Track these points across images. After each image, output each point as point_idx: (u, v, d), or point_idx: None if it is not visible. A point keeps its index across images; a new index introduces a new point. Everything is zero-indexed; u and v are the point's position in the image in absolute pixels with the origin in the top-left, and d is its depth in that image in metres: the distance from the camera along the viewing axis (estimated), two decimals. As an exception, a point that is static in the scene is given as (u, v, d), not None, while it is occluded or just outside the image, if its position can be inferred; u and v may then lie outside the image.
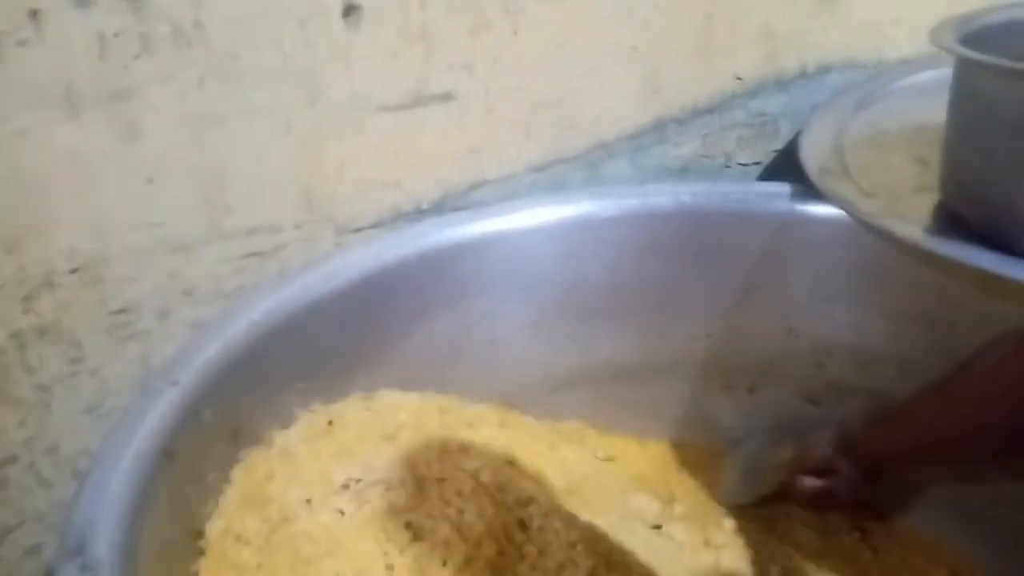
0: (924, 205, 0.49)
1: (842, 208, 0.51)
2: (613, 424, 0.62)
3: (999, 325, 0.47)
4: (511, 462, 0.50)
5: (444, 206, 0.57)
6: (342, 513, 0.40)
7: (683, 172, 0.63)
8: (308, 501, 0.40)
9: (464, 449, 0.48)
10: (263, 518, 0.39)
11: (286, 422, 0.46)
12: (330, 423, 0.47)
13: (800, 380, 0.58)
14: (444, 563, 0.38)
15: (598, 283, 0.58)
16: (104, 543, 0.29)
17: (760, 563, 0.52)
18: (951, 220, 0.47)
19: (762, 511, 0.57)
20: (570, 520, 0.46)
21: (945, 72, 0.47)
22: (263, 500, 0.40)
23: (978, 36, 0.46)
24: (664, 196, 0.57)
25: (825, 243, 0.53)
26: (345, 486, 0.41)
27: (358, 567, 0.37)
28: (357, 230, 0.55)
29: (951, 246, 0.44)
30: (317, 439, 0.45)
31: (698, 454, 0.62)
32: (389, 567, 0.38)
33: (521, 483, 0.47)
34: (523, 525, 0.43)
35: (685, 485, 0.59)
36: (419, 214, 0.57)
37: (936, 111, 0.58)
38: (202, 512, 0.39)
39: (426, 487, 0.42)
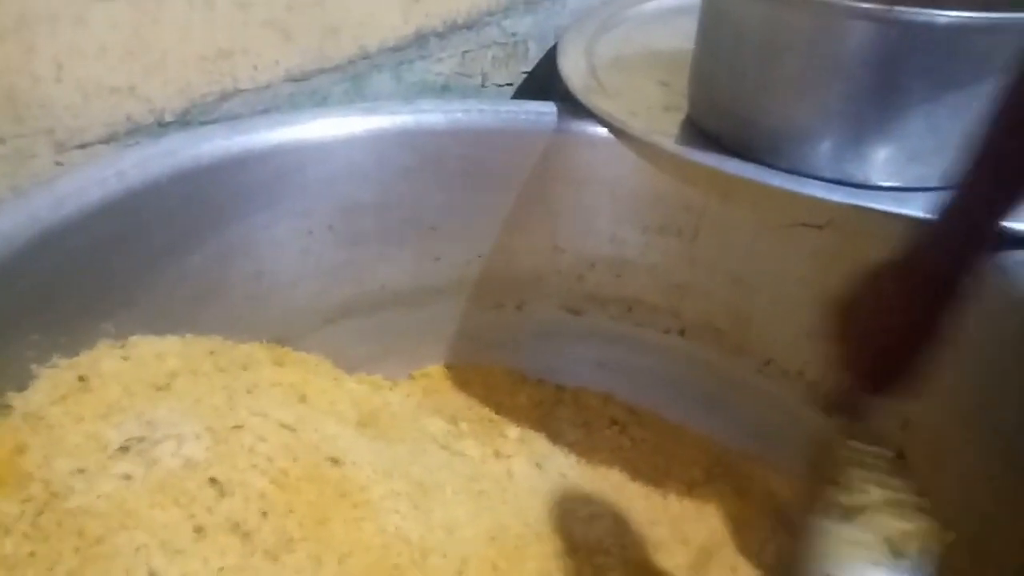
0: (674, 122, 0.54)
1: (610, 125, 0.53)
2: (389, 351, 0.61)
3: (736, 232, 0.54)
4: (302, 399, 0.46)
5: (190, 119, 0.50)
6: (128, 478, 0.33)
7: (444, 91, 0.62)
8: (81, 471, 0.33)
9: (251, 391, 0.43)
10: (23, 499, 0.31)
11: (23, 383, 0.37)
12: (82, 379, 0.39)
13: (564, 293, 0.61)
14: (264, 515, 0.34)
15: (370, 205, 0.55)
16: None
17: (543, 464, 0.55)
18: (701, 136, 0.52)
19: (537, 415, 0.60)
20: (376, 451, 0.44)
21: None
22: (18, 478, 0.32)
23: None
24: (437, 113, 0.55)
25: (590, 161, 0.56)
26: (124, 448, 0.35)
27: (162, 537, 0.32)
28: (83, 145, 0.46)
29: (712, 158, 0.49)
30: (72, 398, 0.37)
31: (472, 373, 0.63)
32: (199, 529, 0.33)
33: (320, 420, 0.44)
34: (335, 461, 0.40)
35: (465, 404, 0.60)
36: (161, 128, 0.49)
37: (671, 37, 0.64)
38: (-68, 504, 0.30)
39: (224, 437, 0.37)
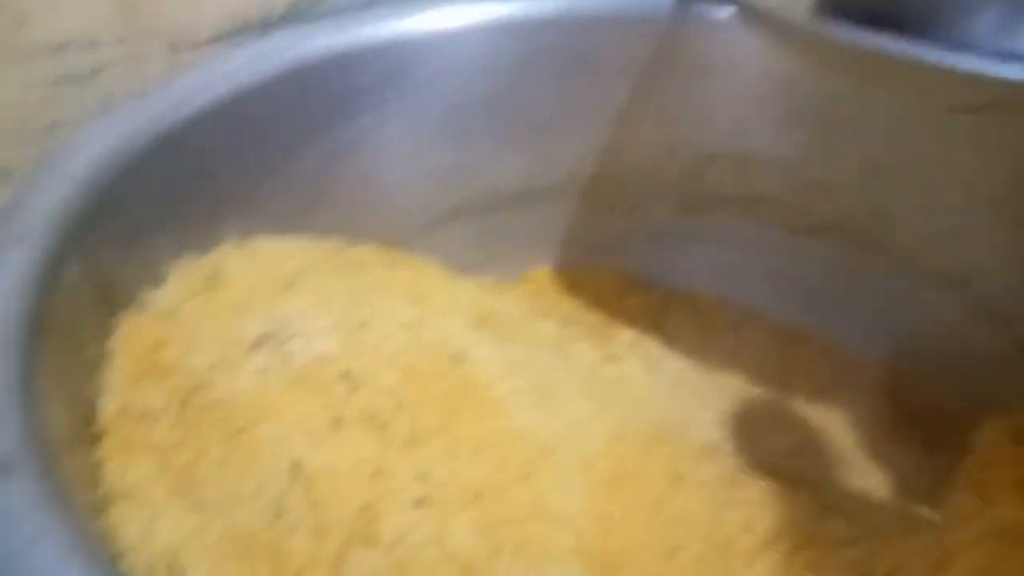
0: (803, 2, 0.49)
1: (735, 4, 0.49)
2: (498, 255, 0.59)
3: (877, 119, 0.49)
4: (419, 299, 0.45)
5: (297, 14, 0.48)
6: (264, 372, 0.34)
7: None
8: (218, 365, 0.34)
9: (374, 290, 0.42)
10: (168, 390, 0.32)
11: (158, 280, 0.38)
12: (211, 277, 0.39)
13: (680, 193, 0.58)
14: (398, 407, 0.34)
15: (480, 102, 0.53)
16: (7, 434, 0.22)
17: (657, 368, 0.54)
18: (838, 11, 0.47)
19: (649, 320, 0.58)
20: (495, 350, 0.44)
21: None
22: (161, 370, 0.33)
23: None
24: (549, 1, 0.51)
25: (712, 46, 0.52)
26: (258, 343, 0.35)
27: (302, 428, 0.32)
28: (195, 46, 0.45)
29: (851, 34, 0.45)
30: (204, 296, 0.38)
31: (581, 277, 0.61)
32: (336, 421, 0.33)
33: (438, 319, 0.44)
34: (459, 359, 0.40)
35: (575, 307, 0.59)
36: (266, 27, 0.48)
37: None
38: (87, 391, 0.31)
39: (352, 333, 0.37)
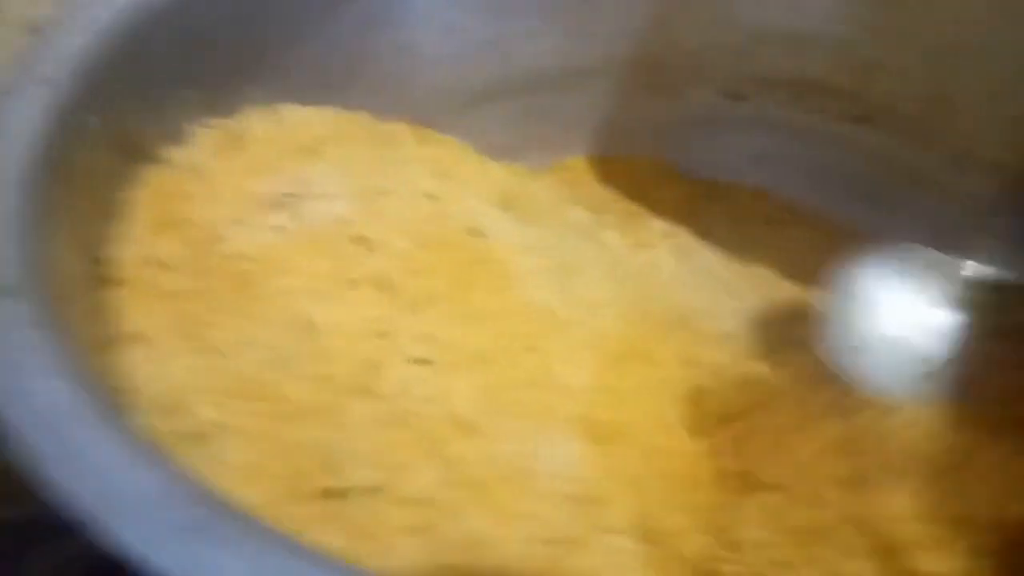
0: None
1: None
2: (533, 139, 0.58)
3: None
4: (446, 175, 0.45)
5: None
6: (282, 230, 0.34)
7: None
8: (237, 221, 0.34)
9: (399, 163, 0.42)
10: (185, 241, 0.33)
11: (181, 138, 0.38)
12: (235, 137, 0.40)
13: (726, 75, 0.56)
14: (409, 272, 0.34)
15: (517, -28, 0.51)
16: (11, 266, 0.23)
17: (688, 257, 0.53)
18: None
19: (686, 210, 0.56)
20: (518, 229, 0.43)
21: None
22: (180, 222, 0.34)
23: None
24: None
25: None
26: (278, 203, 0.35)
27: (313, 284, 0.33)
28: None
29: None
30: (226, 154, 0.38)
31: (618, 164, 0.60)
32: (348, 282, 0.33)
33: (463, 195, 0.43)
34: (478, 233, 0.40)
35: (610, 196, 0.58)
36: None
37: None
38: (103, 237, 0.32)
39: (372, 200, 0.37)
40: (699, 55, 0.55)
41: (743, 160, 0.58)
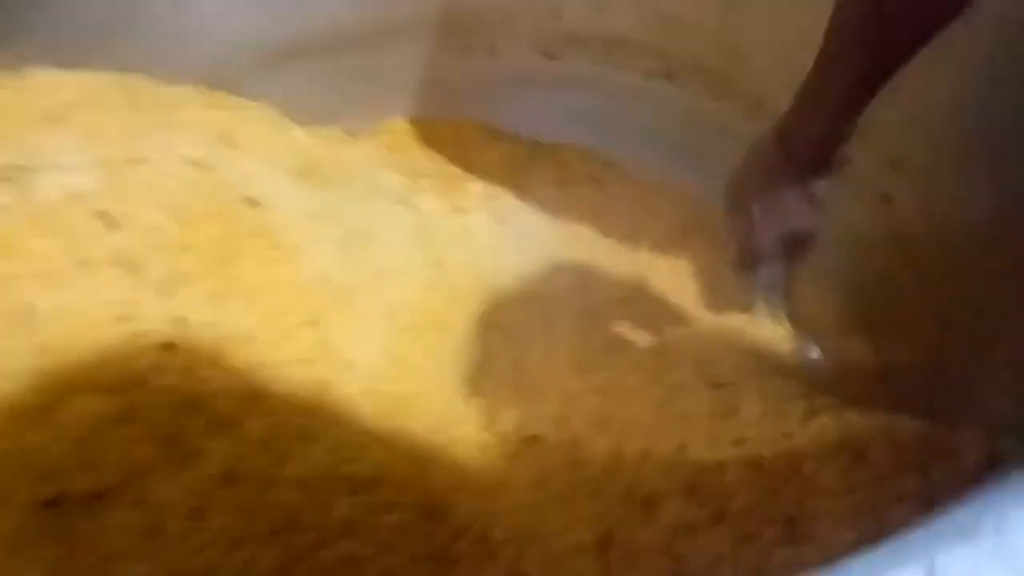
0: None
1: None
2: (348, 102, 0.55)
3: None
4: (230, 142, 0.41)
5: None
6: (6, 209, 0.30)
7: None
8: (-54, 199, 0.30)
9: (167, 129, 0.38)
10: None
11: None
12: (-38, 107, 0.35)
13: (539, 33, 0.54)
14: (158, 249, 0.31)
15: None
16: None
17: (507, 220, 0.51)
18: None
19: (508, 172, 0.55)
20: (307, 196, 0.41)
21: None
22: None
23: None
24: None
25: None
26: (2, 177, 0.31)
27: (39, 267, 0.29)
28: None
29: None
30: (-56, 125, 0.33)
31: (441, 127, 0.58)
32: (83, 262, 0.30)
33: (245, 163, 0.40)
34: (253, 202, 0.37)
35: (431, 160, 0.55)
36: None
37: None
38: None
39: (119, 170, 0.33)
40: (509, 12, 0.53)
41: (565, 119, 0.57)
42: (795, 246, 0.40)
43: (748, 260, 0.42)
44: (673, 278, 0.49)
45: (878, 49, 0.31)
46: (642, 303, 0.45)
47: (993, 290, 0.32)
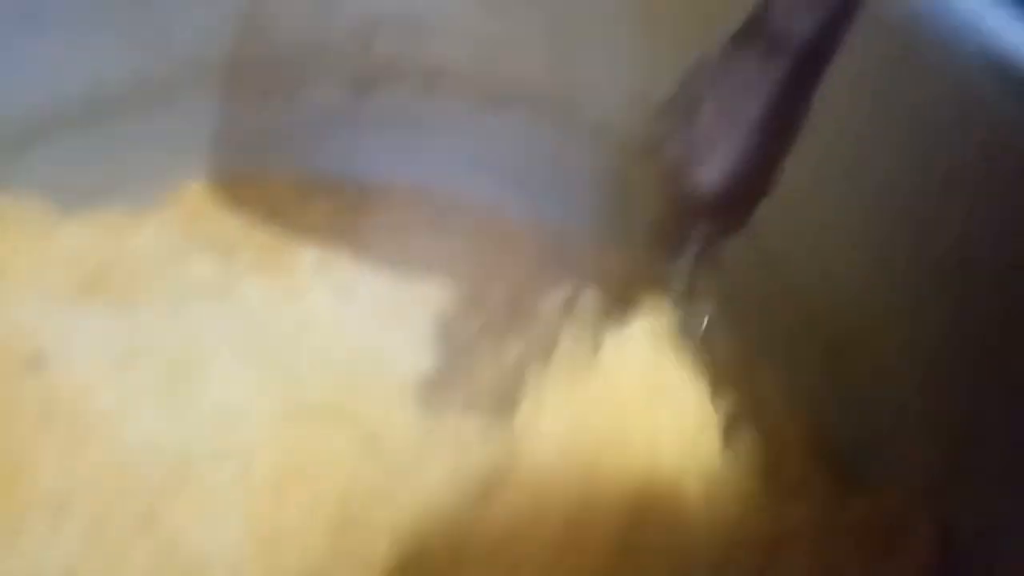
0: None
1: None
2: (128, 173, 0.46)
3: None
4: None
5: None
6: None
7: None
8: None
9: None
10: None
11: None
12: None
13: (348, 68, 0.48)
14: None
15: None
16: None
17: (349, 292, 0.45)
18: None
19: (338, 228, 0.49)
20: (105, 330, 0.33)
21: None
22: None
23: None
24: None
25: None
26: None
27: None
28: None
29: None
30: None
31: (247, 186, 0.50)
32: None
33: (13, 298, 0.31)
34: (35, 363, 0.28)
35: (242, 228, 0.48)
36: None
37: None
38: None
39: None
40: (310, 48, 0.47)
41: (391, 159, 0.51)
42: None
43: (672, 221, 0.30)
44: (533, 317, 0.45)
45: None
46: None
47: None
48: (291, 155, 0.50)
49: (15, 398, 0.26)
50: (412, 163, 0.51)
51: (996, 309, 0.28)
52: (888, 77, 0.33)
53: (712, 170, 0.27)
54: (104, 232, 0.41)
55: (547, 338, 0.44)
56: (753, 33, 0.25)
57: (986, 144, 0.30)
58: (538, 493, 0.30)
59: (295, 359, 0.37)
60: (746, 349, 0.39)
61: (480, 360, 0.43)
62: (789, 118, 0.27)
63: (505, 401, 0.39)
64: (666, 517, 0.27)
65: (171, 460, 0.28)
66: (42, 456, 0.25)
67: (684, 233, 0.30)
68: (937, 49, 0.32)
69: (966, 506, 0.27)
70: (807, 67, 0.25)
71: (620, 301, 0.44)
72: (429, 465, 0.34)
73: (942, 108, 0.31)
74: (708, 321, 0.36)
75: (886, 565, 0.23)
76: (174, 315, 0.36)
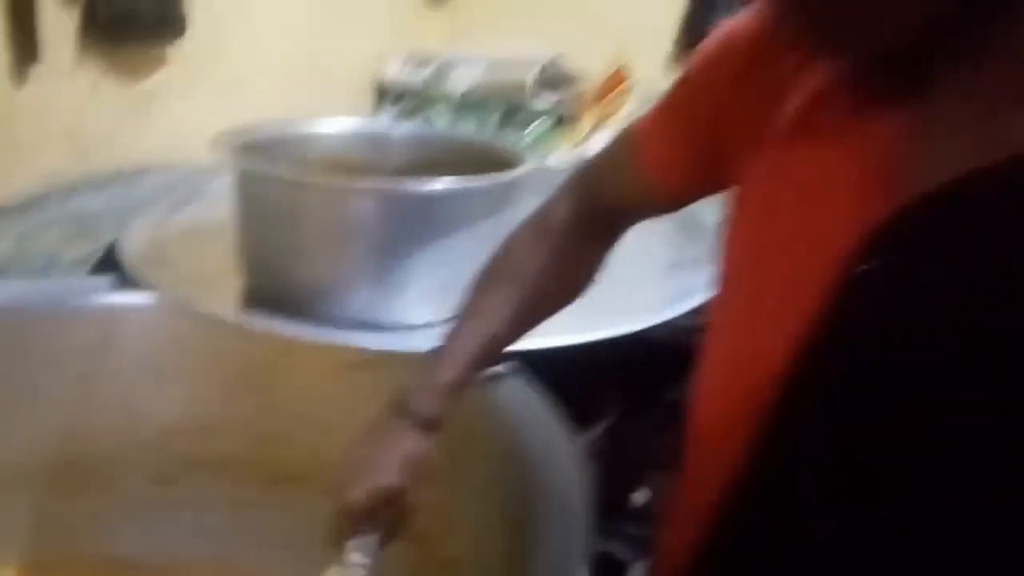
0: (234, 287, 0.57)
1: (159, 295, 0.55)
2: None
3: (303, 379, 0.58)
4: None
5: None
6: None
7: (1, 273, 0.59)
8: None
9: None
10: None
11: None
12: None
13: (151, 463, 0.60)
14: None
15: None
16: None
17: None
18: (256, 297, 0.55)
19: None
20: None
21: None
22: None
23: (255, 146, 0.56)
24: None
25: (151, 328, 0.57)
26: None
27: None
28: None
29: (260, 321, 0.53)
30: None
31: (55, 569, 0.58)
32: None
33: None
34: None
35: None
36: None
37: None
38: None
39: None
40: (120, 449, 0.59)
41: (190, 538, 0.60)
42: (390, 512, 0.41)
43: (340, 521, 0.41)
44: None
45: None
46: None
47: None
48: (97, 539, 0.59)
49: None
50: (208, 540, 0.60)
51: None
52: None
53: (353, 491, 0.41)
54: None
55: None
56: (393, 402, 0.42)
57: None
58: None
59: None
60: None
61: None
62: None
63: None
64: None
65: None
66: None
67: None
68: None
69: None
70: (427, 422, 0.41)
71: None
72: None
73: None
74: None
75: None
76: None
